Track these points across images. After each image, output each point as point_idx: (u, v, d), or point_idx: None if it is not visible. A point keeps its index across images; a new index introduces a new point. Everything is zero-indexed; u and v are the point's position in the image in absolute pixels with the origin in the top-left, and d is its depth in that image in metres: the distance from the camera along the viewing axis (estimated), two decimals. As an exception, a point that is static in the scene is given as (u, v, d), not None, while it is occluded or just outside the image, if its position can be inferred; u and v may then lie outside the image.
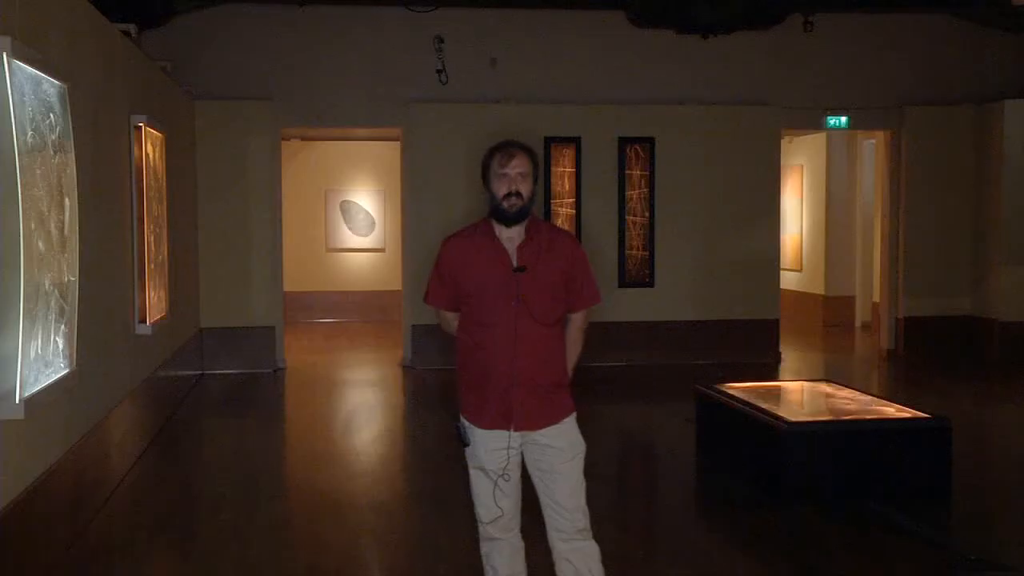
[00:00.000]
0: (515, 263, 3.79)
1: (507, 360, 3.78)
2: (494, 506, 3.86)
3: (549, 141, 11.77)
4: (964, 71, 12.64)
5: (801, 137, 15.71)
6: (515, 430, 3.83)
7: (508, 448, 3.83)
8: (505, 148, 3.81)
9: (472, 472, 3.92)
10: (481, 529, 3.94)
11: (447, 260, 3.88)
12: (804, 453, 6.25)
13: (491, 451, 3.84)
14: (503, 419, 3.82)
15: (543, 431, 3.88)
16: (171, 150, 8.92)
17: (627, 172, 11.97)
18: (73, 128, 5.16)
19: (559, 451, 3.92)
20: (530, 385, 3.81)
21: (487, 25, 11.83)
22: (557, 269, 3.87)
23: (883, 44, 12.48)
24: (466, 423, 3.89)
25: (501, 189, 3.76)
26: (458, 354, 3.93)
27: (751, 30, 11.03)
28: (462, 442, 3.90)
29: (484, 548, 3.97)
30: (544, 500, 3.93)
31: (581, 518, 3.95)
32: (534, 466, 3.92)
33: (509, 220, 3.79)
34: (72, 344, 5.09)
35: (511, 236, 3.82)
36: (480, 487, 3.89)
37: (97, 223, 6.19)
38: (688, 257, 12.09)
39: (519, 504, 3.96)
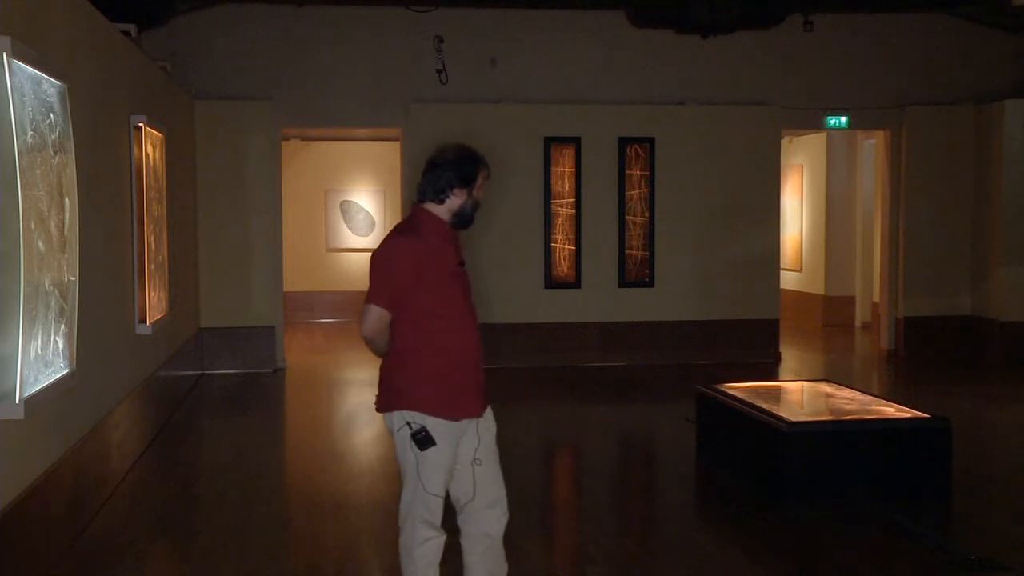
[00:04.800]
0: (456, 259, 4.04)
1: (477, 348, 4.03)
2: (442, 502, 3.97)
3: (549, 141, 11.78)
4: (964, 71, 12.63)
5: (801, 137, 15.72)
6: (482, 414, 4.04)
7: (477, 432, 4.02)
8: (486, 163, 4.04)
9: (432, 476, 3.90)
10: (423, 533, 3.92)
11: (410, 262, 3.89)
12: (804, 453, 6.25)
13: (462, 441, 3.98)
14: (477, 405, 4.00)
15: (487, 408, 4.11)
16: (171, 150, 8.93)
17: (627, 172, 11.98)
18: (73, 128, 5.16)
19: (494, 427, 4.14)
20: (481, 367, 4.08)
21: (487, 25, 11.83)
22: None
23: (883, 44, 12.48)
24: (430, 422, 3.89)
25: (477, 199, 4.02)
26: (415, 354, 3.92)
27: (751, 30, 11.03)
28: (426, 445, 3.85)
29: (426, 549, 3.94)
30: (482, 487, 4.06)
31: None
32: (479, 452, 4.05)
33: (470, 226, 4.05)
34: (72, 344, 5.10)
35: (453, 235, 4.05)
36: (439, 486, 3.94)
37: (97, 223, 6.19)
38: (688, 257, 12.09)
39: None
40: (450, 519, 4.08)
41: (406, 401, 3.91)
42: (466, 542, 4.10)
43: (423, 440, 3.85)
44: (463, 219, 4.01)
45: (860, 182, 15.20)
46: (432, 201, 3.97)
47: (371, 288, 3.93)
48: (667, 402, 9.99)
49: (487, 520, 4.07)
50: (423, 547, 3.94)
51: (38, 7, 5.16)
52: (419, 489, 3.91)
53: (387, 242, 3.98)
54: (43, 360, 4.68)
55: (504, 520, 4.11)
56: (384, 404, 3.99)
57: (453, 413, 3.92)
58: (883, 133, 12.76)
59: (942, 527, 5.85)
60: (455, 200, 3.96)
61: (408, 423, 3.88)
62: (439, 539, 3.97)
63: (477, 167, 3.99)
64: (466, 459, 4.01)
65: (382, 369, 4.03)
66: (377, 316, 3.90)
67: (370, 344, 3.99)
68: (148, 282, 7.57)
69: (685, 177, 12.04)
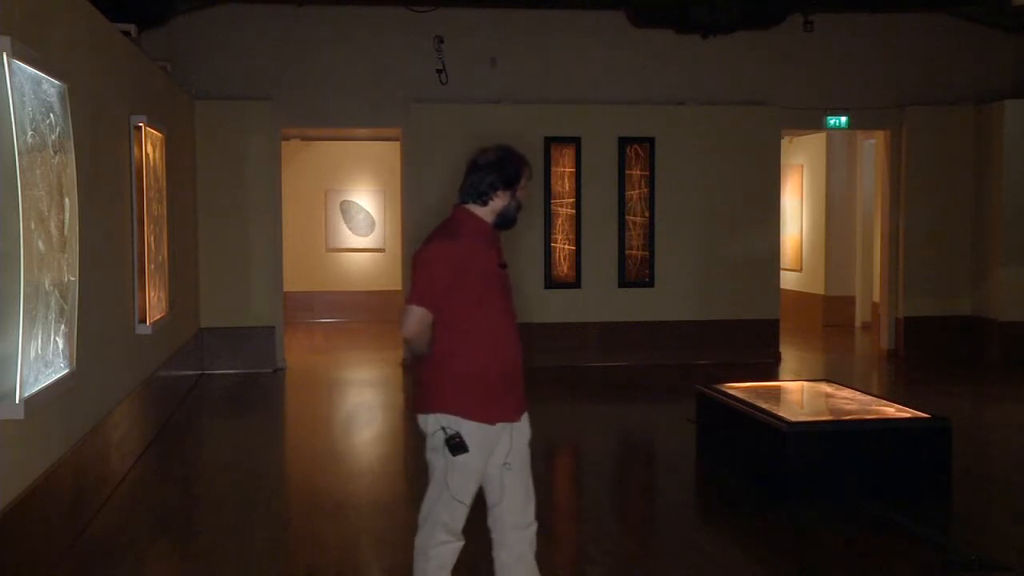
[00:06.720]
0: (497, 261, 4.00)
1: (516, 350, 3.99)
2: (467, 510, 3.93)
3: (549, 141, 11.77)
4: (964, 71, 12.64)
5: (801, 137, 15.72)
6: (520, 417, 4.02)
7: (511, 436, 3.98)
8: (528, 163, 4.01)
9: (462, 483, 3.87)
10: (441, 536, 3.90)
11: (448, 265, 3.84)
12: (804, 453, 6.25)
13: (498, 445, 3.93)
14: (513, 409, 3.97)
15: (524, 412, 4.09)
16: (171, 150, 8.93)
17: (627, 172, 11.98)
18: (73, 128, 5.16)
19: (527, 433, 4.11)
20: (520, 370, 4.04)
21: (487, 25, 11.83)
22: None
23: (883, 44, 12.49)
24: (466, 427, 3.84)
25: (520, 200, 3.98)
26: (452, 356, 3.88)
27: (751, 30, 11.04)
28: (458, 451, 3.81)
29: (442, 551, 3.92)
30: (511, 493, 4.01)
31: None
32: (510, 457, 4.00)
33: (513, 226, 4.01)
34: (72, 344, 5.10)
35: (495, 236, 4.01)
36: (468, 494, 3.91)
37: (97, 223, 6.19)
38: (688, 257, 12.09)
39: None
40: (470, 527, 4.05)
41: (441, 403, 3.87)
42: (499, 561, 4.06)
43: (456, 446, 3.80)
44: (506, 220, 3.97)
45: (860, 182, 15.20)
46: (475, 203, 3.93)
47: (412, 289, 3.89)
48: (667, 402, 9.99)
49: (520, 542, 4.03)
50: (439, 548, 3.91)
51: (38, 7, 5.16)
52: (445, 493, 3.87)
53: (427, 245, 3.91)
54: (43, 360, 4.68)
55: (533, 532, 4.06)
56: (420, 405, 3.95)
57: (489, 416, 3.87)
58: (883, 133, 12.76)
59: (942, 527, 5.85)
60: (498, 202, 3.92)
61: (443, 428, 3.84)
62: (456, 544, 3.95)
63: (520, 168, 3.94)
64: (496, 463, 3.96)
65: (421, 370, 3.99)
66: (418, 317, 3.86)
67: (410, 344, 3.96)
68: (148, 282, 7.57)
69: (685, 177, 12.04)
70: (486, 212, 3.93)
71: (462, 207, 3.96)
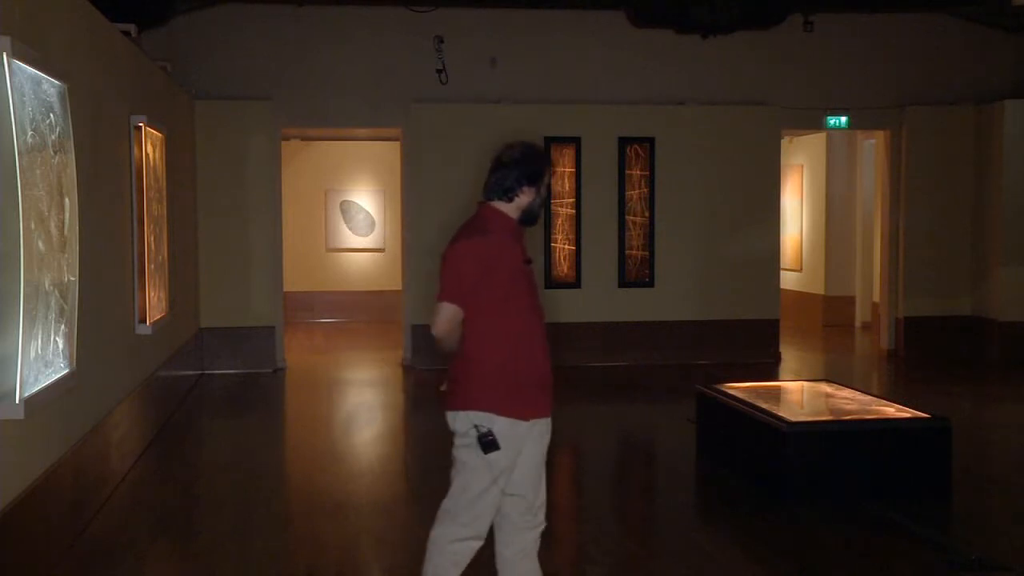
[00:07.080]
0: (523, 257, 4.02)
1: (543, 345, 3.99)
2: (495, 509, 3.94)
3: (549, 141, 11.76)
4: (964, 71, 12.64)
5: (801, 137, 15.72)
6: (550, 412, 4.03)
7: (548, 430, 4.03)
8: (550, 161, 4.03)
9: (499, 478, 3.88)
10: (462, 532, 3.91)
11: (477, 262, 3.85)
12: (804, 453, 6.25)
13: (528, 441, 3.92)
14: (545, 404, 3.98)
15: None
16: (171, 150, 8.93)
17: (627, 172, 11.98)
18: (73, 128, 5.16)
19: (549, 432, 4.10)
20: (549, 365, 4.03)
21: (487, 25, 11.83)
22: None
23: (883, 44, 12.49)
24: (499, 424, 3.84)
25: (543, 197, 4.02)
26: (481, 353, 3.88)
27: (751, 30, 11.04)
28: (490, 448, 3.81)
29: (460, 548, 3.92)
30: (527, 491, 4.01)
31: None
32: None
33: (536, 223, 4.08)
34: (72, 344, 5.10)
35: (519, 233, 4.03)
36: (498, 489, 3.91)
37: (97, 223, 6.19)
38: (688, 257, 12.09)
39: None
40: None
41: (473, 401, 3.87)
42: (502, 557, 4.04)
43: (488, 443, 3.81)
44: (531, 216, 4.00)
45: (860, 182, 15.20)
46: (500, 199, 3.96)
47: (442, 287, 3.89)
48: (667, 402, 9.99)
49: (527, 540, 4.02)
50: (457, 544, 3.90)
51: (38, 7, 5.17)
52: (469, 492, 3.87)
53: (456, 242, 3.91)
54: (43, 360, 4.68)
55: (539, 532, 4.06)
56: (450, 403, 3.95)
57: (521, 413, 3.87)
58: (883, 133, 12.76)
59: (942, 527, 5.85)
60: (524, 198, 3.95)
61: (476, 426, 3.84)
62: (476, 542, 3.93)
63: (544, 165, 4.01)
64: (539, 459, 3.98)
65: (451, 368, 4.00)
66: (450, 314, 3.86)
67: (441, 342, 3.95)
68: (148, 282, 7.57)
69: (685, 177, 12.04)
70: (511, 208, 3.96)
71: (488, 204, 3.98)
